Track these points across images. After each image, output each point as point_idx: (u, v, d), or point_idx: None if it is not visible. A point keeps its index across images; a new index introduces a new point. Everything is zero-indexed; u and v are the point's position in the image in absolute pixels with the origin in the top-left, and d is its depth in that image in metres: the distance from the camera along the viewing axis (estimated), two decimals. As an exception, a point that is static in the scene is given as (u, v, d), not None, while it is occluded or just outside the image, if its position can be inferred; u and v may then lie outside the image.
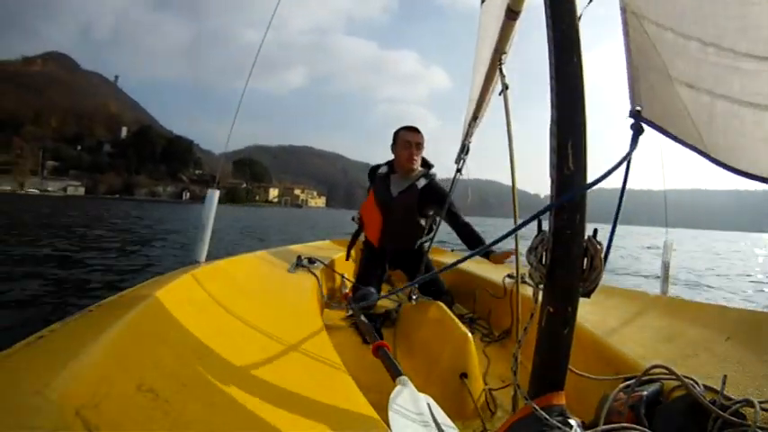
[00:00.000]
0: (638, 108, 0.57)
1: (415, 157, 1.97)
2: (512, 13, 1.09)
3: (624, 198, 0.63)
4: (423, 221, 2.02)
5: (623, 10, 0.60)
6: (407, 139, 1.96)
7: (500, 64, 1.22)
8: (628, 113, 0.58)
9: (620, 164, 0.55)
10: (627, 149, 0.56)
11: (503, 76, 1.20)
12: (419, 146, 1.97)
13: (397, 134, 2.02)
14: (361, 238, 2.27)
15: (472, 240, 1.84)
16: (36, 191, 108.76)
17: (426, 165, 2.06)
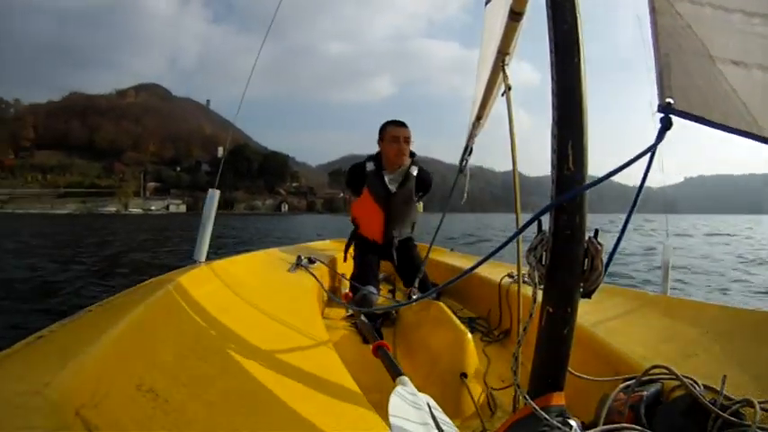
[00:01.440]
0: (669, 100, 0.53)
1: (405, 153, 1.97)
2: (514, 15, 1.09)
3: (643, 194, 0.60)
4: (417, 204, 2.12)
5: (650, -5, 0.56)
6: (395, 134, 1.95)
7: (503, 65, 1.22)
8: (656, 108, 0.54)
9: (637, 158, 0.53)
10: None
11: (506, 78, 1.20)
12: (407, 140, 1.97)
13: (384, 129, 1.99)
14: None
15: None
16: (140, 210, 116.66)
17: (410, 154, 2.08)
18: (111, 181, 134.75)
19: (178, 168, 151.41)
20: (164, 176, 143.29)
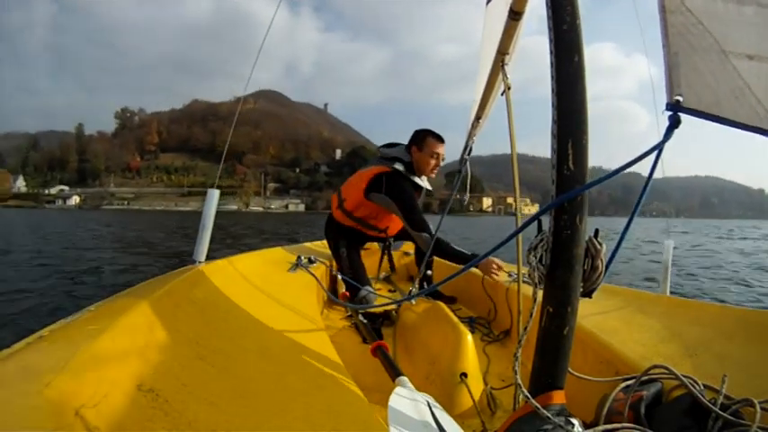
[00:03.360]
0: (678, 98, 0.54)
1: (437, 169, 1.98)
2: (514, 14, 1.08)
3: (648, 192, 0.58)
4: None
5: (660, -7, 0.56)
6: (437, 150, 1.95)
7: (503, 65, 1.22)
8: (664, 107, 0.54)
9: (643, 156, 0.53)
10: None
11: (505, 77, 1.20)
12: (443, 157, 1.99)
13: (424, 139, 1.96)
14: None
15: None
16: (260, 208, 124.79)
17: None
18: (233, 181, 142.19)
19: (297, 170, 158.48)
20: (283, 177, 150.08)
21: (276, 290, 1.37)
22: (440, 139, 1.97)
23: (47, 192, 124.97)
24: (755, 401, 0.61)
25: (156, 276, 1.07)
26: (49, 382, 0.42)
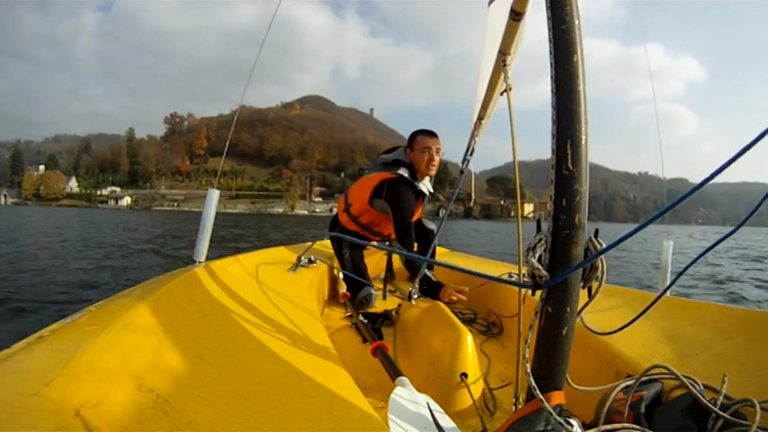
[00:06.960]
0: None
1: (434, 163, 1.96)
2: (515, 14, 1.08)
3: None
4: None
5: None
6: (426, 144, 1.93)
7: (504, 65, 1.22)
8: None
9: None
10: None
11: (506, 78, 1.20)
12: (438, 151, 1.96)
13: (414, 138, 1.97)
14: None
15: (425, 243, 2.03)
16: (305, 211, 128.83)
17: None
18: (279, 185, 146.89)
19: (342, 174, 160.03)
20: (328, 182, 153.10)
21: (276, 289, 1.37)
22: (429, 134, 1.96)
23: (99, 192, 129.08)
24: (755, 401, 0.61)
25: (156, 276, 1.07)
26: (48, 382, 0.42)
